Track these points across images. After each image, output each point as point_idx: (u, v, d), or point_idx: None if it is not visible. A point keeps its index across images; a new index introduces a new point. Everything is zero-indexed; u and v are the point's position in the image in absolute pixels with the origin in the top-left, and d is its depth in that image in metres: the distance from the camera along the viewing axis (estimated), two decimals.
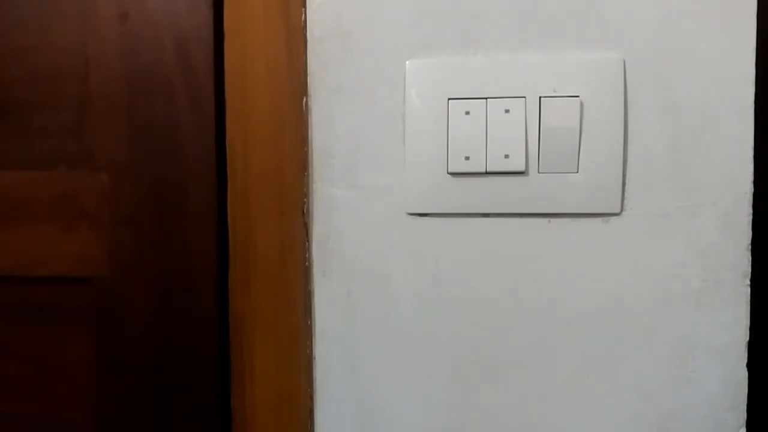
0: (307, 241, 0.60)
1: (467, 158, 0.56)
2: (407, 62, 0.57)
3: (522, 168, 0.56)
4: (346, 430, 0.61)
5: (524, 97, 0.56)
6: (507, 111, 0.56)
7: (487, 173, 0.56)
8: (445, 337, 0.59)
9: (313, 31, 0.59)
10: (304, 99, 0.59)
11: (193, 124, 0.61)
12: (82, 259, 0.63)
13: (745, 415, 0.56)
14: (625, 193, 0.56)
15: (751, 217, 0.55)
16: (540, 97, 0.55)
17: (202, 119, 0.61)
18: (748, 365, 0.56)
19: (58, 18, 0.63)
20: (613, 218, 0.56)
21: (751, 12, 0.54)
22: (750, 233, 0.55)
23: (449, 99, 0.57)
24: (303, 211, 0.60)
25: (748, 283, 0.55)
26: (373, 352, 0.60)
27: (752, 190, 0.55)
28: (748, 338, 0.55)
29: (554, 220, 0.57)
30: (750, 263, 0.55)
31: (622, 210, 0.56)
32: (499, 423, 0.58)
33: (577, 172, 0.56)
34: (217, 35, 0.60)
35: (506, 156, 0.56)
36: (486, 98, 0.56)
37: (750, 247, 0.55)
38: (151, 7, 0.61)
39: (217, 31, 0.60)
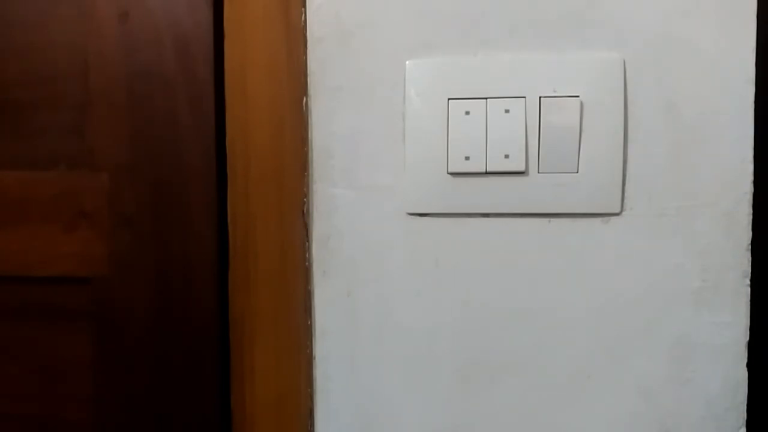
0: (307, 241, 0.60)
1: (467, 158, 0.56)
2: (407, 62, 0.57)
3: (522, 168, 0.56)
4: (346, 430, 0.61)
5: (524, 97, 0.56)
6: (507, 111, 0.56)
7: (487, 173, 0.56)
8: (445, 337, 0.59)
9: (313, 31, 0.59)
10: (304, 99, 0.59)
11: (193, 124, 0.61)
12: (82, 259, 0.63)
13: (745, 415, 0.56)
14: (625, 193, 0.56)
15: (751, 217, 0.55)
16: (540, 97, 0.55)
17: (202, 119, 0.61)
18: (748, 365, 0.56)
19: (57, 18, 0.63)
20: (613, 218, 0.56)
21: (751, 12, 0.54)
22: (750, 233, 0.55)
23: (449, 99, 0.57)
24: (303, 211, 0.60)
25: (748, 283, 0.55)
26: (373, 352, 0.60)
27: (752, 190, 0.55)
28: (748, 338, 0.55)
29: (554, 220, 0.57)
30: (750, 263, 0.55)
31: (622, 210, 0.56)
32: (500, 423, 0.58)
33: (577, 172, 0.56)
34: (217, 35, 0.60)
35: (506, 156, 0.56)
36: (486, 98, 0.56)
37: (750, 247, 0.55)
38: (151, 6, 0.61)
39: (217, 31, 0.60)
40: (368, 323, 0.60)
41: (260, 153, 0.60)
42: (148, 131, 0.62)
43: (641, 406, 0.57)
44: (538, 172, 0.56)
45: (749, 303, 0.55)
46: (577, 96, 0.55)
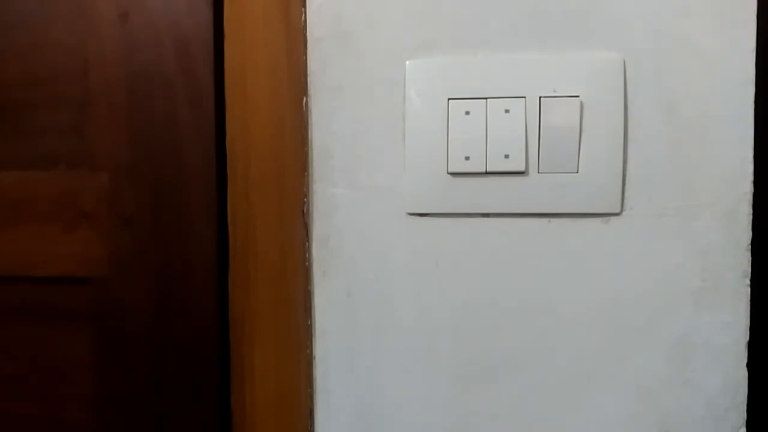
0: (307, 241, 0.60)
1: (467, 158, 0.56)
2: (407, 62, 0.57)
3: (522, 168, 0.56)
4: (346, 430, 0.61)
5: (524, 97, 0.56)
6: (507, 111, 0.56)
7: (487, 173, 0.56)
8: (445, 337, 0.59)
9: (313, 31, 0.59)
10: (304, 99, 0.59)
11: (193, 124, 0.61)
12: (82, 259, 0.63)
13: (745, 415, 0.56)
14: (625, 193, 0.56)
15: (751, 217, 0.55)
16: (540, 97, 0.55)
17: (202, 119, 0.61)
18: (748, 365, 0.56)
19: (57, 18, 0.63)
20: (613, 218, 0.56)
21: (751, 12, 0.54)
22: (750, 233, 0.55)
23: (449, 99, 0.57)
24: (303, 211, 0.60)
25: (748, 283, 0.55)
26: (373, 352, 0.60)
27: (752, 190, 0.55)
28: (748, 338, 0.55)
29: (554, 220, 0.57)
30: (750, 263, 0.55)
31: (622, 210, 0.56)
32: (499, 423, 0.58)
33: (577, 172, 0.56)
34: (217, 35, 0.60)
35: (506, 156, 0.56)
36: (486, 98, 0.56)
37: (750, 247, 0.55)
38: (151, 7, 0.61)
39: (217, 31, 0.60)
40: (368, 323, 0.60)
41: (260, 153, 0.60)
42: (148, 131, 0.62)
43: (641, 406, 0.57)
44: (538, 172, 0.56)
45: (749, 303, 0.55)
46: (577, 96, 0.55)
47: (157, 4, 0.61)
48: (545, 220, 0.57)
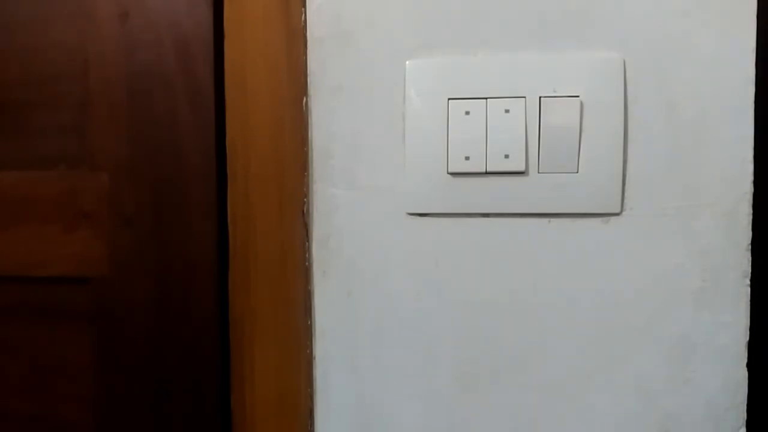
0: (307, 241, 0.60)
1: (467, 158, 0.56)
2: (407, 62, 0.57)
3: (522, 168, 0.56)
4: (346, 430, 0.61)
5: (524, 97, 0.56)
6: (507, 111, 0.56)
7: (487, 173, 0.56)
8: (445, 337, 0.59)
9: (313, 31, 0.59)
10: (304, 99, 0.59)
11: (193, 124, 0.61)
12: (82, 259, 0.63)
13: (745, 415, 0.56)
14: (625, 193, 0.56)
15: (751, 217, 0.55)
16: (540, 97, 0.55)
17: (202, 119, 0.61)
18: (748, 365, 0.56)
19: (58, 18, 0.63)
20: (613, 218, 0.56)
21: (751, 12, 0.54)
22: (750, 233, 0.55)
23: (449, 99, 0.57)
24: (303, 211, 0.60)
25: (748, 283, 0.55)
26: (373, 352, 0.60)
27: (752, 190, 0.55)
28: (748, 338, 0.55)
29: (554, 220, 0.57)
30: (750, 263, 0.55)
31: (622, 210, 0.56)
32: (499, 423, 0.58)
33: (577, 172, 0.56)
34: (217, 35, 0.60)
35: (506, 156, 0.56)
36: (486, 98, 0.56)
37: (750, 247, 0.55)
38: (151, 6, 0.61)
39: (217, 31, 0.60)
40: (368, 323, 0.60)
41: (260, 153, 0.60)
42: (148, 131, 0.62)
43: (641, 406, 0.57)
44: (538, 172, 0.56)
45: (749, 303, 0.55)
46: (577, 96, 0.55)
47: (157, 4, 0.61)
48: (545, 220, 0.57)
